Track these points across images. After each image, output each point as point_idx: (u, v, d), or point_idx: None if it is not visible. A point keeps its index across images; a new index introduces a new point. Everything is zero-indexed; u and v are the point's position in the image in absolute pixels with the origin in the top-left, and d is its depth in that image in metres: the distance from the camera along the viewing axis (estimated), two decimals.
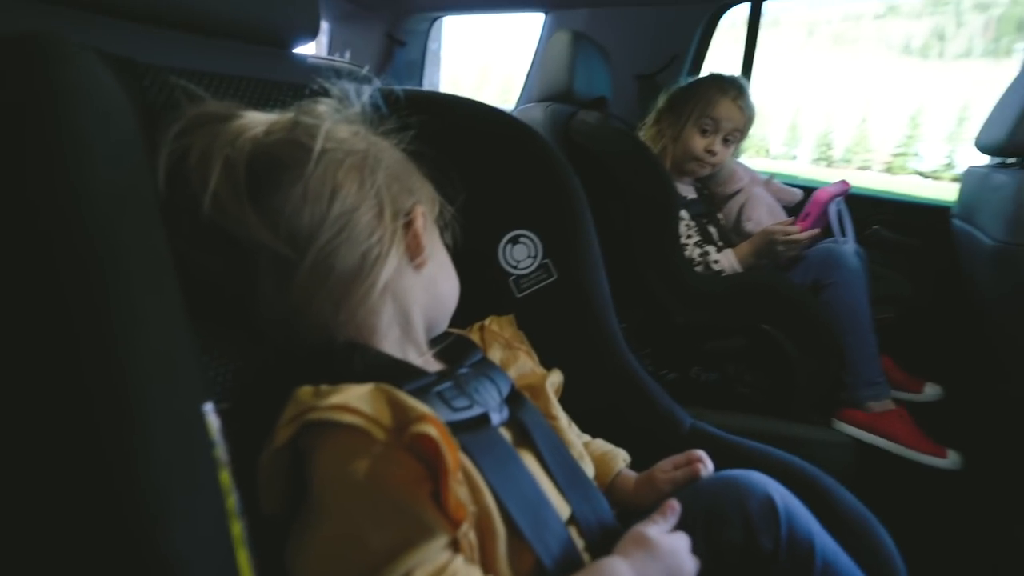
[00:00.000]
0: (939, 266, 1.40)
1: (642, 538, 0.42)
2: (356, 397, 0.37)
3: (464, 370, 0.48)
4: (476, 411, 0.44)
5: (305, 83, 0.59)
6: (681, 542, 0.43)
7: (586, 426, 0.59)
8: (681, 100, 1.31)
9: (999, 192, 0.96)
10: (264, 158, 0.43)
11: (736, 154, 1.38)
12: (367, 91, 0.51)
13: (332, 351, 0.44)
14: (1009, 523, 1.05)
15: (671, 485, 0.51)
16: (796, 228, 1.18)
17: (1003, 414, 1.14)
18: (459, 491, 0.37)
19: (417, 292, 0.48)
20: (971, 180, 1.17)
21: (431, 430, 0.35)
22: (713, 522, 0.46)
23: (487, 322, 0.59)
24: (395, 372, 0.43)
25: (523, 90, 2.02)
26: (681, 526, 0.45)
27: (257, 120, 0.46)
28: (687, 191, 1.34)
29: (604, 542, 0.44)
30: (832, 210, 1.21)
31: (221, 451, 0.34)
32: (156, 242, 0.33)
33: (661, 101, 1.37)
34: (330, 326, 0.44)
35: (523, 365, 0.57)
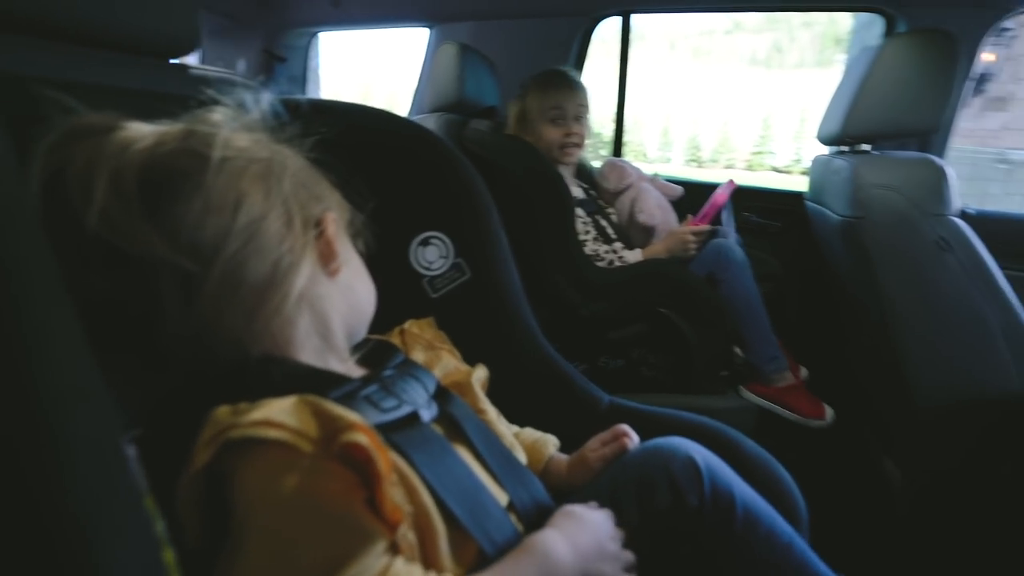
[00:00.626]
0: (798, 244, 1.58)
1: (570, 511, 0.45)
2: (279, 411, 0.36)
3: (389, 372, 0.48)
4: (405, 410, 0.44)
5: (191, 94, 0.56)
6: (606, 515, 0.46)
7: (512, 415, 0.60)
8: (524, 106, 1.39)
9: (839, 175, 1.12)
10: (158, 169, 0.41)
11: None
12: (266, 99, 0.49)
13: (248, 366, 0.42)
14: (878, 457, 1.21)
15: (601, 462, 0.54)
16: (702, 228, 1.30)
17: (862, 369, 1.31)
18: (394, 494, 0.37)
19: (334, 299, 0.47)
20: (817, 167, 1.34)
21: (361, 438, 0.35)
22: (643, 489, 0.49)
23: (406, 325, 0.59)
24: (317, 381, 0.42)
25: (413, 102, 2.02)
26: (614, 497, 0.48)
27: (144, 131, 0.43)
28: (576, 191, 1.42)
29: (542, 522, 0.46)
30: (725, 209, 1.34)
31: (140, 479, 0.32)
32: (47, 262, 0.30)
33: (511, 118, 1.43)
34: (244, 340, 0.42)
35: (447, 364, 0.57)
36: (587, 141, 1.41)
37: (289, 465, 0.35)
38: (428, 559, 0.39)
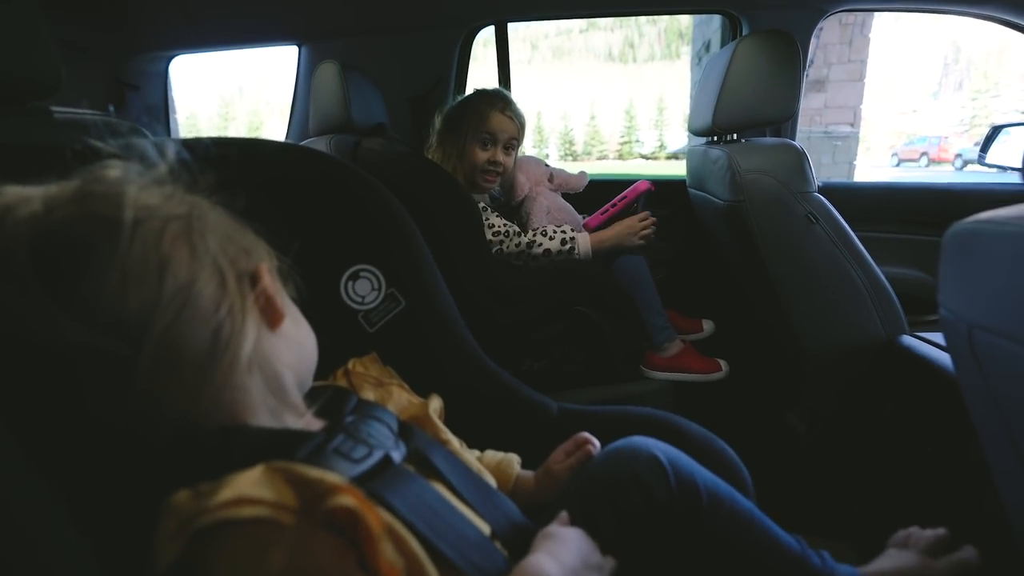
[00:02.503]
0: (685, 228, 1.71)
1: (550, 533, 0.46)
2: (249, 485, 0.34)
3: (349, 418, 0.46)
4: (377, 456, 0.43)
5: (65, 143, 0.50)
6: (579, 532, 0.47)
7: (468, 436, 0.60)
8: (456, 119, 1.38)
9: (717, 163, 1.23)
10: (55, 240, 0.35)
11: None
12: (170, 145, 0.44)
13: (201, 442, 0.38)
14: (780, 411, 1.35)
15: (568, 472, 0.56)
16: (647, 219, 1.36)
17: (759, 332, 1.45)
18: (387, 550, 0.35)
19: (282, 354, 0.44)
20: (695, 157, 1.46)
21: (347, 501, 0.34)
22: (615, 494, 0.51)
23: (350, 365, 0.57)
24: (281, 443, 0.39)
25: (291, 125, 1.92)
26: (588, 507, 0.49)
27: (24, 195, 0.37)
28: (481, 200, 1.43)
29: (524, 544, 0.46)
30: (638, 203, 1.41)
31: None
32: None
33: (438, 124, 1.42)
34: (191, 417, 0.38)
35: (399, 399, 0.56)
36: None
37: (272, 543, 0.32)
38: None
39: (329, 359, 0.55)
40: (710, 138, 1.40)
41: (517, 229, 1.34)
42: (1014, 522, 0.58)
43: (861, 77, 6.40)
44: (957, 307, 0.61)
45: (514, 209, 1.47)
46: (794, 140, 1.57)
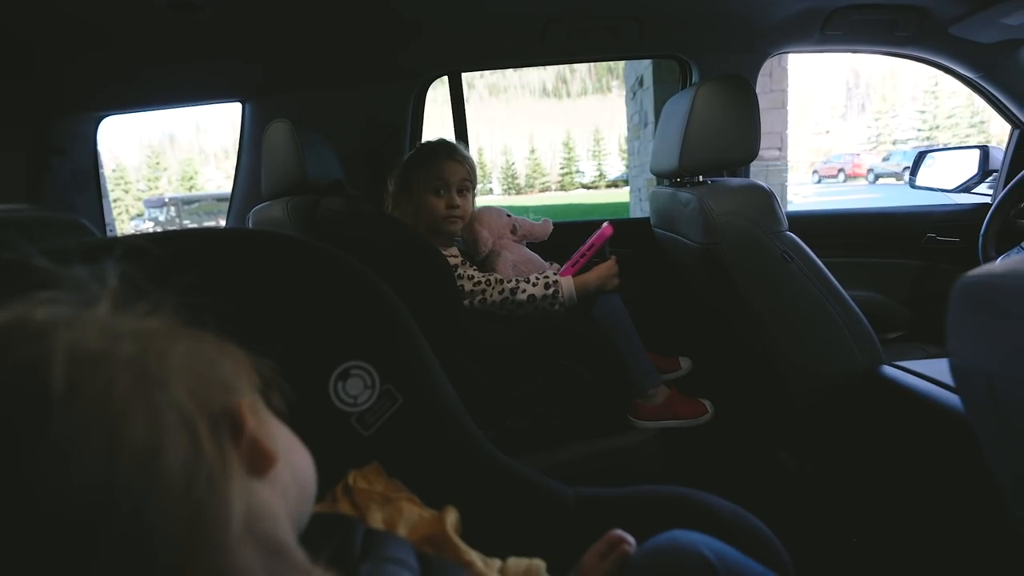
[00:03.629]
0: (651, 266, 1.71)
1: None
2: None
3: (366, 568, 0.39)
4: None
5: None
6: None
7: (484, 536, 0.53)
8: (407, 176, 1.35)
9: (688, 206, 1.23)
10: None
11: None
12: (110, 264, 0.35)
13: None
14: (770, 448, 1.34)
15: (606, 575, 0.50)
16: (613, 265, 1.33)
17: (740, 369, 1.44)
18: None
19: (276, 505, 0.36)
20: (661, 198, 1.46)
21: None
22: None
23: (351, 481, 0.49)
24: None
25: (236, 186, 1.82)
26: None
27: None
28: (452, 253, 1.37)
29: None
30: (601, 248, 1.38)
31: None
32: None
33: (391, 186, 1.39)
34: None
35: (410, 516, 0.49)
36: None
37: None
38: None
39: (323, 471, 0.48)
40: (675, 179, 1.41)
41: (499, 277, 1.30)
42: None
43: (783, 105, 6.83)
44: (974, 358, 0.60)
45: (479, 264, 1.42)
46: (747, 176, 1.62)
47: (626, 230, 1.81)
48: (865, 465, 1.19)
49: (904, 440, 1.11)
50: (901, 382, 1.07)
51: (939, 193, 1.84)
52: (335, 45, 1.47)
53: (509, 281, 1.27)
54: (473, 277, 1.28)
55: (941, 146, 2.02)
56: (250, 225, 1.31)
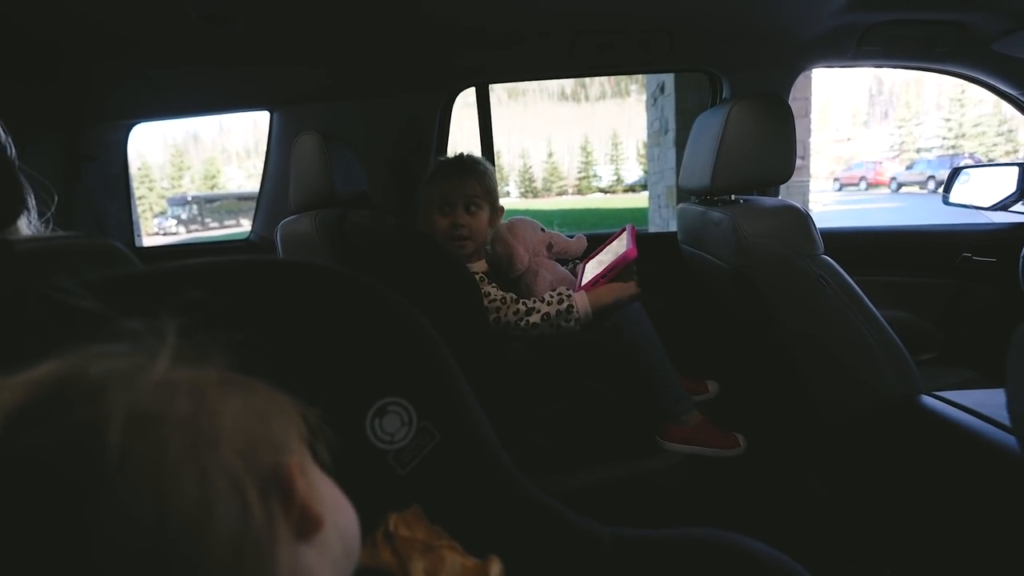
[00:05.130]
0: (675, 282, 1.69)
1: None
2: None
3: None
4: None
5: (27, 285, 0.41)
6: None
7: None
8: (421, 198, 1.36)
9: (720, 226, 1.21)
10: (26, 475, 0.26)
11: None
12: (170, 323, 0.34)
13: None
14: (800, 475, 1.31)
15: None
16: (633, 287, 1.30)
17: (770, 392, 1.41)
18: None
19: (320, 568, 0.34)
20: (689, 215, 1.44)
21: None
22: None
23: (392, 526, 0.48)
24: None
25: (262, 193, 1.83)
26: None
27: None
28: (478, 268, 1.36)
29: None
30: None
31: None
32: None
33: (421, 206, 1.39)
34: None
35: (453, 566, 0.47)
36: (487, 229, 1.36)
37: None
38: None
39: (361, 511, 0.47)
40: (705, 197, 1.39)
41: (514, 296, 1.28)
42: None
43: (807, 113, 6.75)
44: None
45: (513, 282, 1.39)
46: (777, 196, 1.58)
47: (653, 245, 1.79)
48: (900, 496, 1.15)
49: (943, 473, 1.07)
50: (943, 414, 1.04)
51: (973, 210, 1.79)
52: (363, 56, 1.47)
53: (524, 301, 1.25)
54: (489, 295, 1.26)
55: (977, 162, 1.97)
56: (278, 238, 1.31)
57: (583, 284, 1.32)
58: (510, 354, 1.23)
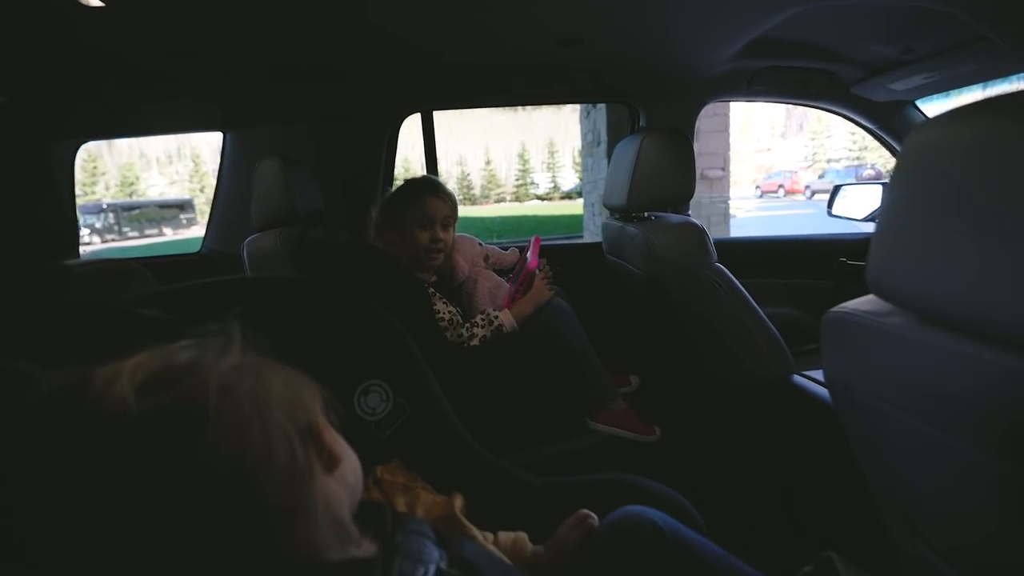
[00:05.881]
0: (602, 287, 1.91)
1: None
2: None
3: (399, 538, 0.54)
4: (431, 570, 0.51)
5: (113, 307, 0.55)
6: None
7: (477, 518, 0.69)
8: (394, 209, 1.48)
9: (634, 240, 1.43)
10: (151, 429, 0.41)
11: None
12: (235, 326, 0.50)
13: None
14: (704, 448, 1.55)
15: (576, 543, 0.67)
16: (542, 286, 1.49)
17: (677, 379, 1.65)
18: None
19: (340, 496, 0.51)
20: (611, 229, 1.67)
21: None
22: (625, 554, 0.62)
23: (379, 474, 0.65)
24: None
25: (215, 209, 1.91)
26: (603, 567, 0.60)
27: (109, 377, 0.42)
28: (431, 279, 1.52)
29: None
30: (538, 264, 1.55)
31: None
32: None
33: (375, 216, 1.50)
34: (276, 561, 0.44)
35: (426, 501, 0.64)
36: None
37: None
38: None
39: None
40: (623, 214, 1.62)
41: (459, 320, 1.44)
42: (889, 522, 0.77)
43: (726, 128, 7.31)
44: (837, 372, 0.81)
45: (455, 289, 1.57)
46: (686, 213, 1.84)
47: (583, 255, 2.01)
48: (780, 458, 1.41)
49: (811, 436, 1.33)
50: (807, 388, 1.30)
51: (850, 221, 2.13)
52: (315, 83, 1.60)
53: (466, 327, 1.43)
54: (439, 312, 1.42)
55: (852, 181, 2.32)
56: (244, 253, 1.42)
57: (506, 301, 1.52)
58: (460, 355, 1.40)
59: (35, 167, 0.64)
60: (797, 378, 1.35)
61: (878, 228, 0.67)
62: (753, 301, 1.40)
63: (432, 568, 0.51)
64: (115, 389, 0.42)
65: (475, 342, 1.41)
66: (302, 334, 0.65)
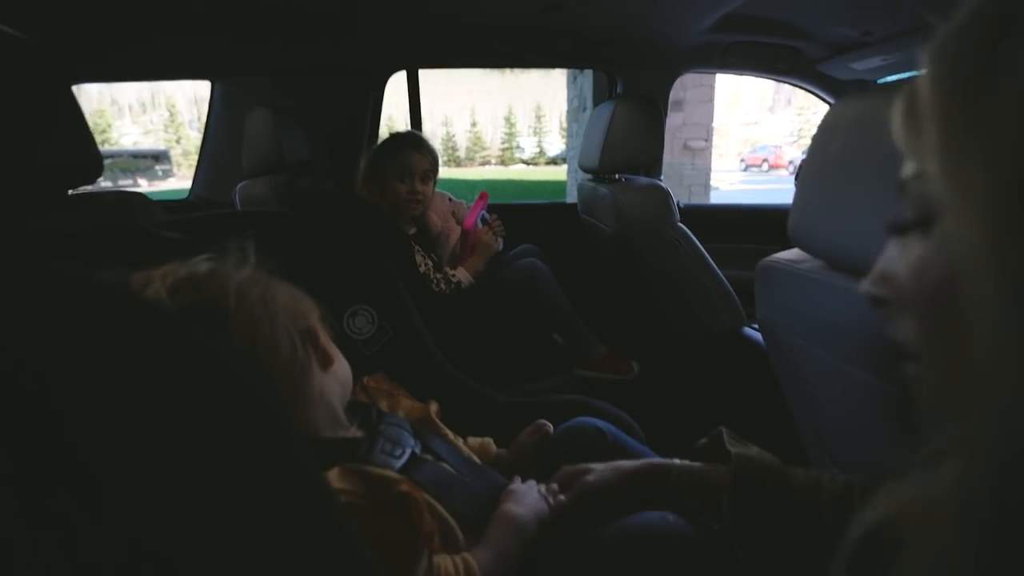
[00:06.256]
0: (572, 245, 2.02)
1: (510, 490, 0.68)
2: (335, 480, 0.53)
3: (383, 426, 0.66)
4: (408, 453, 0.63)
5: (150, 229, 0.64)
6: (532, 486, 0.70)
7: (451, 425, 0.81)
8: (378, 162, 1.55)
9: (605, 200, 1.54)
10: (187, 311, 0.52)
11: None
12: (249, 244, 0.60)
13: None
14: (662, 394, 1.70)
15: (533, 447, 0.79)
16: (493, 243, 1.61)
17: (641, 331, 1.79)
18: (427, 517, 0.56)
19: (333, 388, 0.62)
20: (585, 191, 1.77)
21: (405, 488, 0.55)
22: (574, 451, 0.74)
23: (365, 382, 0.76)
24: (346, 450, 0.58)
25: (203, 157, 1.96)
26: (557, 463, 0.72)
27: (145, 280, 0.53)
28: (412, 230, 1.62)
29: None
30: (479, 221, 1.66)
31: None
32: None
33: (363, 167, 1.58)
34: None
35: (406, 405, 0.76)
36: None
37: (357, 519, 0.52)
38: (450, 545, 0.59)
39: None
40: (596, 175, 1.72)
41: (433, 271, 1.54)
42: (807, 446, 0.91)
43: (710, 99, 7.37)
44: (765, 312, 0.94)
45: (430, 241, 1.67)
46: (659, 177, 1.95)
47: (557, 214, 2.11)
48: (726, 399, 1.56)
49: (753, 380, 1.48)
50: (754, 338, 1.44)
51: None
52: (305, 36, 1.65)
53: (437, 279, 1.53)
54: (419, 265, 1.51)
55: None
56: (237, 198, 1.49)
57: (462, 261, 1.64)
58: (439, 300, 1.51)
59: (62, 103, 0.71)
60: (747, 330, 1.49)
61: (797, 189, 0.79)
62: (711, 261, 1.52)
63: (408, 451, 0.63)
64: (150, 290, 0.52)
65: (455, 280, 1.52)
66: (300, 262, 0.74)
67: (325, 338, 0.64)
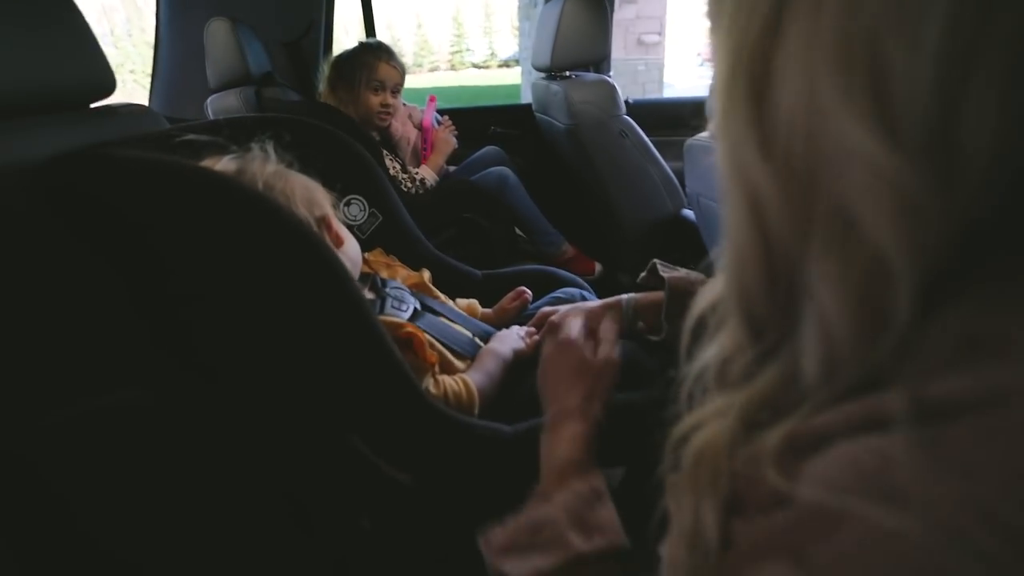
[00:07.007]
0: (532, 144, 2.15)
1: (499, 334, 0.88)
2: None
3: (388, 289, 0.83)
4: (411, 308, 0.81)
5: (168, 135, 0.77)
6: (513, 329, 0.89)
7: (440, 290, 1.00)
8: (348, 69, 1.60)
9: (557, 96, 1.66)
10: None
11: None
12: (267, 138, 0.74)
13: None
14: (614, 272, 1.92)
15: (515, 311, 0.98)
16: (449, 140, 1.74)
17: (594, 219, 1.97)
18: (429, 350, 0.75)
19: (345, 264, 0.78)
20: (539, 89, 1.87)
21: (411, 329, 0.73)
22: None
23: (366, 256, 0.92)
24: None
25: (156, 71, 1.95)
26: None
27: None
28: (376, 135, 1.71)
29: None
30: (432, 122, 1.78)
31: None
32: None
33: (328, 72, 1.63)
34: None
35: (403, 274, 0.93)
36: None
37: None
38: (447, 369, 0.79)
39: None
40: (549, 73, 1.82)
41: (401, 173, 1.65)
42: None
43: None
44: (691, 186, 1.13)
45: (392, 146, 1.78)
46: (608, 72, 2.05)
47: (513, 114, 2.21)
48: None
49: (691, 254, 1.70)
50: (689, 218, 1.64)
51: None
52: None
53: (403, 181, 1.65)
54: (389, 169, 1.62)
55: None
56: (209, 111, 1.55)
57: (424, 160, 1.77)
58: (413, 199, 1.65)
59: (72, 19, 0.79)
60: (685, 211, 1.70)
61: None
62: (655, 150, 1.68)
63: (411, 307, 0.82)
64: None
65: (419, 178, 1.66)
66: (306, 160, 0.88)
67: (336, 222, 0.79)
